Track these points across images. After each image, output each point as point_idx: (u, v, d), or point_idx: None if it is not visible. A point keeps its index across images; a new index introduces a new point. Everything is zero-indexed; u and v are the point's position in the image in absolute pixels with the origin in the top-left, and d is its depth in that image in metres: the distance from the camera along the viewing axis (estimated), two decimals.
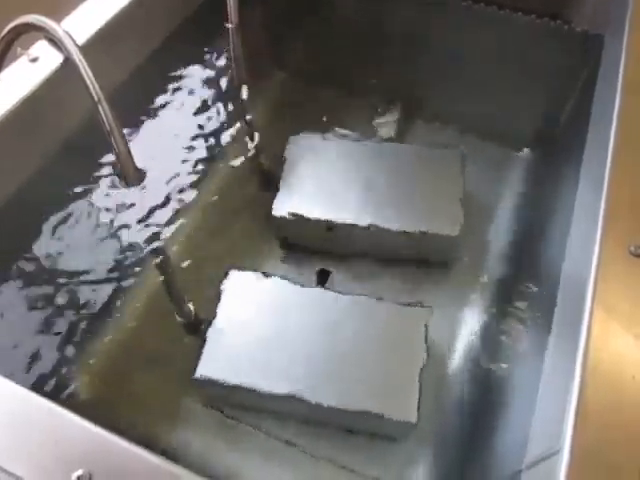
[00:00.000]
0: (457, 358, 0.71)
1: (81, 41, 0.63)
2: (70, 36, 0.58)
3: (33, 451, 0.39)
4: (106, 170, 0.70)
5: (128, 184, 0.59)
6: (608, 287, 0.47)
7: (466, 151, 0.80)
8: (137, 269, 0.74)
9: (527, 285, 0.71)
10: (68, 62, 0.59)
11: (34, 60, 0.61)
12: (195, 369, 0.62)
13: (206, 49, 0.85)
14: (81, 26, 0.65)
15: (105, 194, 0.71)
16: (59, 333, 0.66)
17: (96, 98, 0.57)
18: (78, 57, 0.58)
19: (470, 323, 0.73)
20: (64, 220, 0.68)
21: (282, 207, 0.75)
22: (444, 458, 0.64)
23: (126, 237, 0.73)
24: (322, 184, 0.77)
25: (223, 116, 0.85)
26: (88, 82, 0.57)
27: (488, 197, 0.84)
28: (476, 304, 0.75)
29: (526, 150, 0.90)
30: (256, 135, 0.79)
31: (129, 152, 0.57)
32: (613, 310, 0.46)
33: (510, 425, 0.57)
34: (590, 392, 0.43)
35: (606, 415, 0.42)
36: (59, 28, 0.59)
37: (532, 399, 0.50)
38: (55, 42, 0.60)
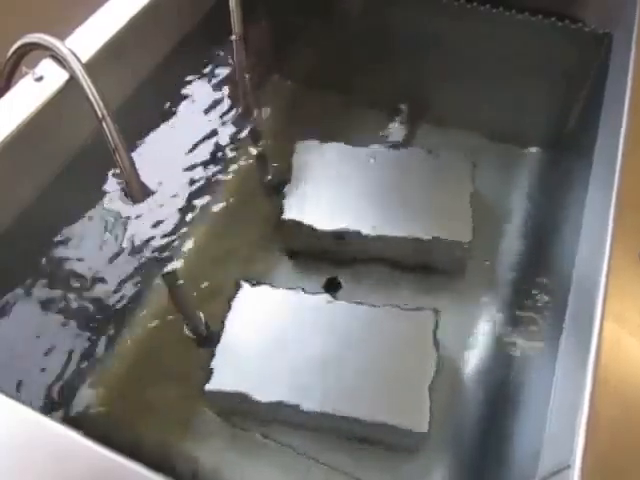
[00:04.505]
0: (469, 366, 0.70)
1: (86, 58, 0.64)
2: (74, 54, 0.59)
3: (36, 473, 0.39)
4: (113, 186, 0.71)
5: (134, 200, 0.59)
6: (619, 295, 0.46)
7: (475, 154, 0.79)
8: (147, 282, 0.74)
9: (538, 292, 0.70)
10: (73, 80, 0.60)
11: (39, 79, 0.62)
12: (206, 381, 0.62)
13: (211, 61, 0.85)
14: (86, 43, 0.66)
15: (112, 209, 0.71)
16: (70, 347, 0.67)
17: (100, 115, 0.58)
18: (82, 75, 0.58)
19: (481, 330, 0.73)
20: (72, 236, 0.68)
21: (290, 215, 0.74)
22: (457, 469, 0.63)
23: (135, 251, 0.73)
24: (330, 191, 0.76)
25: (229, 127, 0.85)
26: (92, 100, 0.58)
27: (498, 200, 0.83)
28: (487, 311, 0.74)
29: (536, 152, 0.88)
30: (263, 144, 0.79)
31: (134, 168, 0.58)
32: (623, 319, 0.46)
33: (523, 435, 0.56)
34: (601, 401, 0.42)
35: (616, 423, 0.42)
36: (63, 46, 0.60)
37: (544, 408, 0.49)
38: (60, 60, 0.61)
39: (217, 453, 0.65)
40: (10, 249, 0.61)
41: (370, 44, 0.88)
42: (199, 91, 0.83)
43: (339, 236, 0.74)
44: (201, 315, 0.70)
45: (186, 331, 0.70)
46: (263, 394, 0.61)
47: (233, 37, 0.72)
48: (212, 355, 0.64)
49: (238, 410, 0.66)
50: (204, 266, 0.78)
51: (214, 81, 0.85)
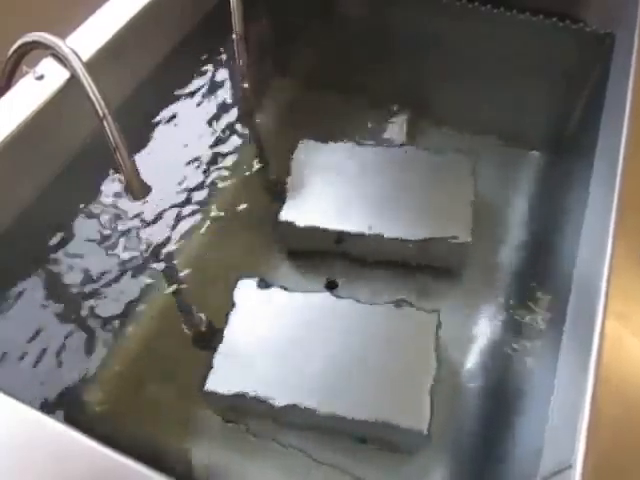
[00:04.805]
0: (469, 365, 0.70)
1: (86, 57, 0.64)
2: (75, 53, 0.59)
3: (36, 473, 0.39)
4: (113, 185, 0.71)
5: (134, 198, 0.59)
6: (621, 295, 0.46)
7: (476, 154, 0.79)
8: (147, 282, 0.74)
9: (539, 292, 0.70)
10: (73, 79, 0.60)
11: (40, 78, 0.62)
12: (207, 381, 0.62)
13: (211, 60, 0.85)
14: (86, 43, 0.66)
15: (112, 209, 0.71)
16: (70, 347, 0.67)
17: (101, 114, 0.58)
18: (83, 74, 0.58)
19: (482, 330, 0.72)
20: (71, 235, 0.68)
21: (289, 215, 0.74)
22: (458, 469, 0.63)
23: (134, 250, 0.73)
24: (330, 191, 0.76)
25: (229, 126, 0.85)
26: (93, 98, 0.58)
27: (499, 201, 0.83)
28: (487, 311, 0.74)
29: (537, 153, 0.88)
30: (263, 143, 0.79)
31: (134, 166, 0.57)
32: (626, 318, 0.45)
33: (524, 434, 0.56)
34: (603, 400, 0.42)
35: (618, 422, 0.42)
36: (64, 45, 0.60)
37: (545, 407, 0.50)
38: (60, 59, 0.61)
39: (217, 453, 0.65)
40: (10, 249, 0.61)
41: (370, 44, 0.88)
42: (199, 91, 0.83)
43: (339, 236, 0.74)
44: (201, 315, 0.70)
45: (186, 331, 0.70)
46: (263, 394, 0.61)
47: (234, 36, 0.72)
48: (212, 355, 0.64)
49: (238, 410, 0.66)
50: (204, 266, 0.78)
51: (214, 81, 0.85)
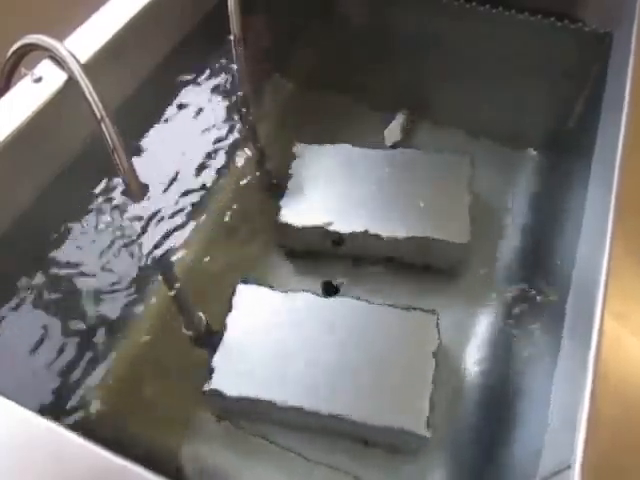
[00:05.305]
0: (469, 366, 0.70)
1: (86, 57, 0.64)
2: (73, 55, 0.59)
3: (36, 473, 0.39)
4: (112, 186, 0.71)
5: (133, 199, 0.59)
6: (620, 295, 0.46)
7: (474, 154, 0.79)
8: (146, 283, 0.74)
9: (537, 292, 0.70)
10: (71, 81, 0.60)
11: (38, 80, 0.62)
12: (206, 382, 0.62)
13: (210, 61, 0.85)
14: (85, 43, 0.66)
15: (111, 210, 0.71)
16: (70, 348, 0.67)
17: (99, 116, 0.58)
18: (81, 76, 0.58)
19: (481, 330, 0.72)
20: (72, 236, 0.68)
21: (288, 216, 0.74)
22: (458, 469, 0.63)
23: (133, 252, 0.73)
24: (328, 192, 0.76)
25: (228, 127, 0.85)
26: (91, 101, 0.58)
27: (497, 201, 0.83)
28: (486, 311, 0.74)
29: (535, 152, 0.88)
30: (262, 144, 0.79)
31: (133, 168, 0.57)
32: (625, 318, 0.45)
33: (524, 434, 0.56)
34: (601, 400, 0.42)
35: (617, 422, 0.42)
36: (62, 47, 0.60)
37: (545, 407, 0.50)
38: (59, 61, 0.61)
39: (217, 454, 0.65)
40: (10, 250, 0.61)
41: (370, 44, 0.88)
42: (199, 91, 0.83)
43: (338, 237, 0.74)
44: (201, 315, 0.70)
45: (186, 331, 0.70)
46: (263, 395, 0.61)
47: (232, 37, 0.71)
48: (212, 356, 0.64)
49: (238, 411, 0.66)
50: (203, 266, 0.78)
51: (214, 82, 0.85)
